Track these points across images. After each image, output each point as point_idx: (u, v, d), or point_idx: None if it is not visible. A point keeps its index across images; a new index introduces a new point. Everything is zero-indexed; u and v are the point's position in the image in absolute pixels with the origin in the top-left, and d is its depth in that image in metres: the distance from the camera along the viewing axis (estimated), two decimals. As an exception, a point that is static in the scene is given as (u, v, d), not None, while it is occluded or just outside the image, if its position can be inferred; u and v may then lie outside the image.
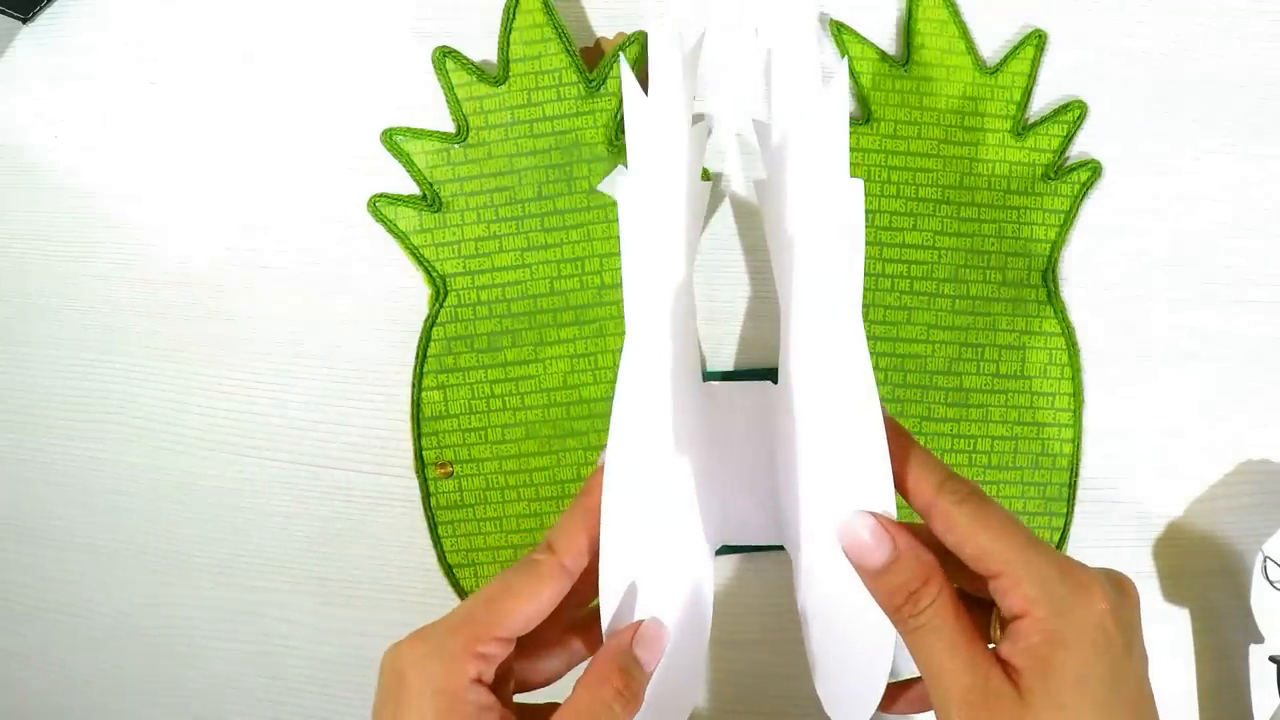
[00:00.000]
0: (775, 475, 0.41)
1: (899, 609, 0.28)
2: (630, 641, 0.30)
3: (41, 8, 0.47)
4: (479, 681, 0.28)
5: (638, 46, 0.42)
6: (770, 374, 0.43)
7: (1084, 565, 0.27)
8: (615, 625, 0.31)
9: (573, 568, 0.30)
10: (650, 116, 0.32)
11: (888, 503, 0.28)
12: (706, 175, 0.43)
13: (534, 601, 0.29)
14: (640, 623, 0.31)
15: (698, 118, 0.43)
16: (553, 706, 0.30)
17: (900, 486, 0.29)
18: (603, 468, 0.30)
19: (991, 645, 0.28)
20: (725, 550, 0.43)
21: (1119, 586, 0.27)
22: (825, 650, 0.34)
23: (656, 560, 0.32)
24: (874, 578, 0.28)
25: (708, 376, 0.43)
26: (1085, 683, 0.26)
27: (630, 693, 0.29)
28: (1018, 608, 0.26)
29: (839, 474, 0.30)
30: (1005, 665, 0.27)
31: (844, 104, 0.29)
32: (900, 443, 0.29)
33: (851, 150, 0.43)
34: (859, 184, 0.28)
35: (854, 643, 0.31)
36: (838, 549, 0.29)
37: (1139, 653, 0.27)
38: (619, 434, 0.30)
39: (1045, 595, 0.26)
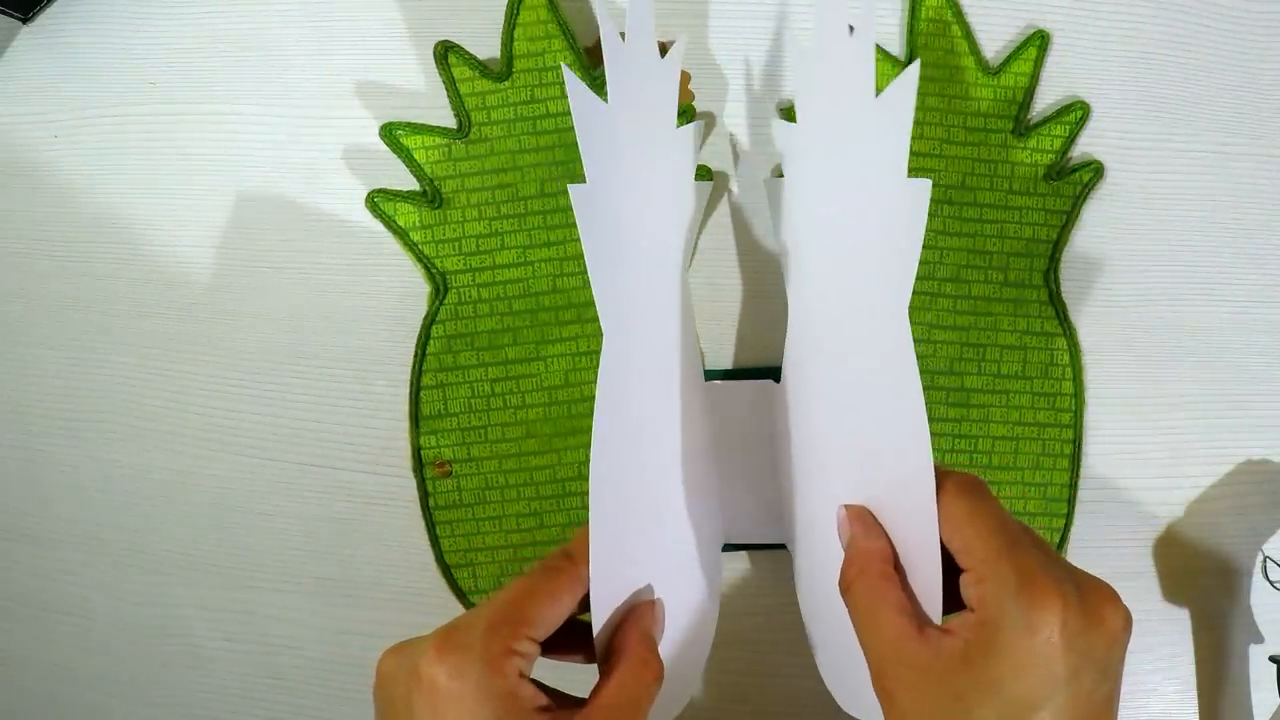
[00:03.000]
0: (777, 472, 0.41)
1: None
2: (651, 625, 0.32)
3: (41, 8, 0.47)
4: (524, 678, 0.28)
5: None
6: (770, 373, 0.43)
7: (1059, 583, 0.27)
8: (608, 612, 0.31)
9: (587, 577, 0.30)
10: (603, 122, 0.32)
11: (929, 491, 0.29)
12: (707, 174, 0.43)
13: (559, 605, 0.30)
14: (654, 604, 0.32)
15: (694, 116, 0.43)
16: (572, 697, 0.30)
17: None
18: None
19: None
20: (726, 548, 0.43)
21: (1092, 615, 0.27)
22: (825, 639, 0.34)
23: (649, 557, 0.33)
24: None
25: (708, 376, 0.43)
26: (991, 690, 0.26)
27: (662, 672, 0.31)
28: (970, 602, 0.28)
29: (881, 463, 0.31)
30: (944, 639, 0.28)
31: (911, 101, 0.29)
32: None
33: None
34: (926, 183, 0.29)
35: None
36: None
37: (1088, 684, 0.27)
38: (600, 439, 0.30)
39: (995, 600, 0.27)
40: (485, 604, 0.29)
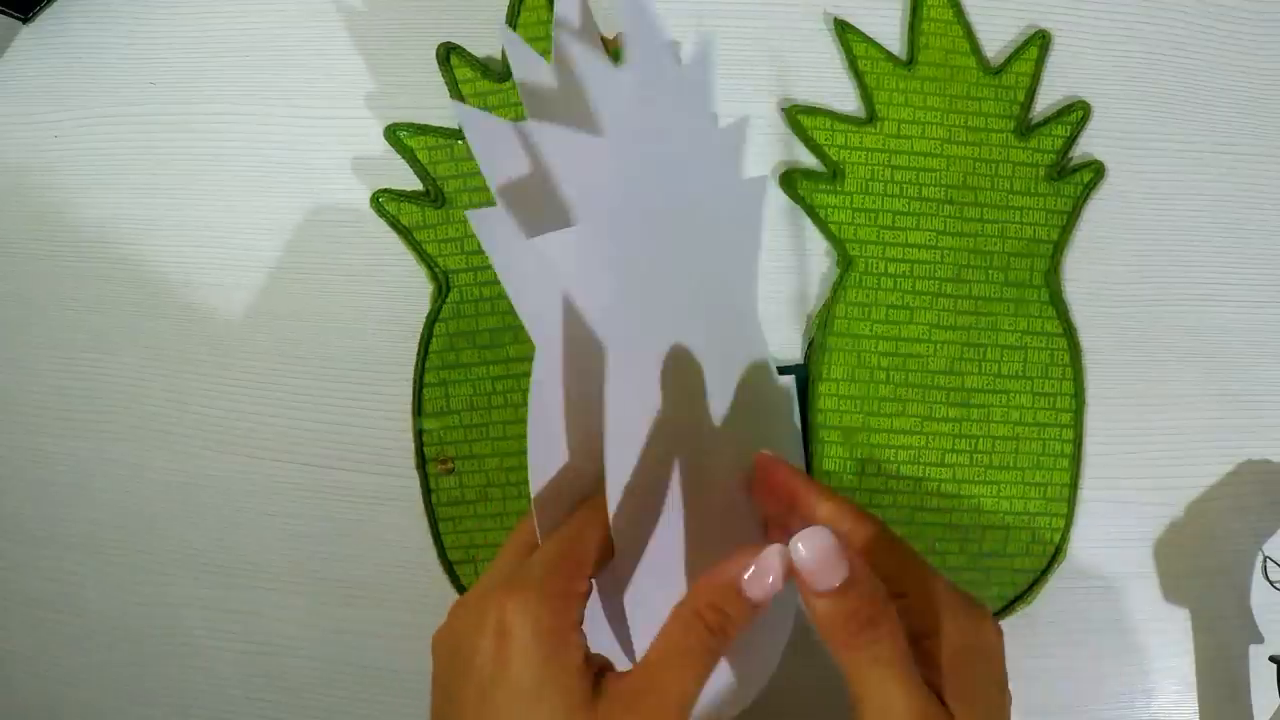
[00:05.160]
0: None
1: (853, 635, 0.26)
2: (739, 575, 0.27)
3: (42, 8, 0.47)
4: (579, 624, 0.27)
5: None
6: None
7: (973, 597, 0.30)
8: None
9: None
10: (502, 144, 0.32)
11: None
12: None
13: (604, 541, 0.29)
14: (760, 551, 0.27)
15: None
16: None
17: (810, 516, 0.31)
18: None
19: None
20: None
21: (996, 624, 0.30)
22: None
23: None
24: (824, 599, 0.26)
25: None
26: (992, 692, 0.28)
27: (724, 633, 0.27)
28: (929, 625, 0.28)
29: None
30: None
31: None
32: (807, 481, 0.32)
33: (855, 149, 0.43)
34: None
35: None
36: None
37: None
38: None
39: (954, 616, 0.28)
40: (536, 553, 0.28)
